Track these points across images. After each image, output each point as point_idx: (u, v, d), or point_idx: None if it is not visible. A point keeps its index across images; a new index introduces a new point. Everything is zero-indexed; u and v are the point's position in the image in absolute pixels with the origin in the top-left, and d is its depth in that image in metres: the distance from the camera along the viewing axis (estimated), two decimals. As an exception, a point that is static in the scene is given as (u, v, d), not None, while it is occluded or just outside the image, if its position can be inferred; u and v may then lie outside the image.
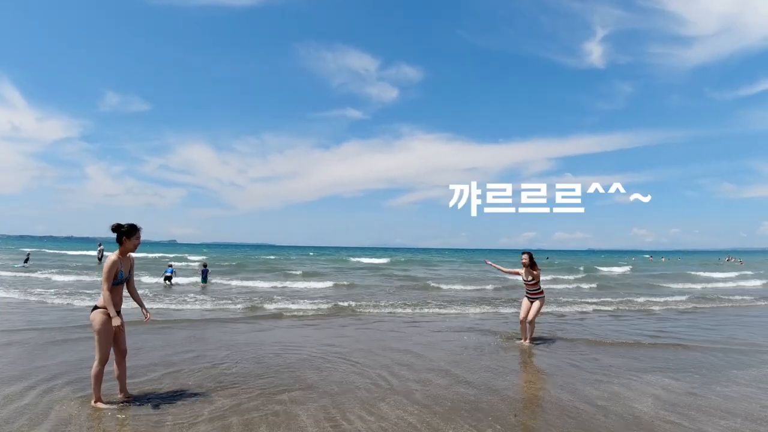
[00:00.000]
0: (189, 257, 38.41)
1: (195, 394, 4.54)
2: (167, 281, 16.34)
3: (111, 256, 4.09)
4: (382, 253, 76.06)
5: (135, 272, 4.49)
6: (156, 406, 4.14)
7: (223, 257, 44.11)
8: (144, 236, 4.24)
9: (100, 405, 4.12)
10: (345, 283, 17.81)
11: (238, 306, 10.80)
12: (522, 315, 7.47)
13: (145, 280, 17.14)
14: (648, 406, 4.41)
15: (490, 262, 8.63)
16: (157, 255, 40.09)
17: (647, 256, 63.85)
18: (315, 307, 10.90)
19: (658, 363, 6.25)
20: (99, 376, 4.13)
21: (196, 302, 11.35)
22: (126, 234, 4.15)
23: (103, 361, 4.11)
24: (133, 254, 4.32)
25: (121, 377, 4.37)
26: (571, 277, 23.37)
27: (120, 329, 4.15)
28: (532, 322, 7.45)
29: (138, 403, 4.23)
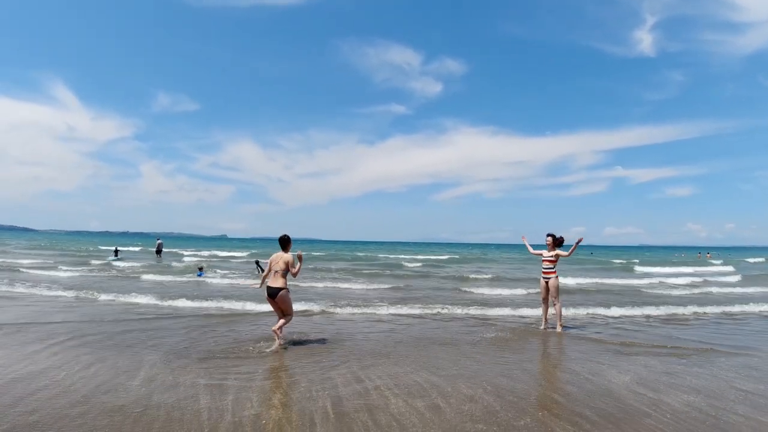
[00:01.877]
0: (219, 254, 39.57)
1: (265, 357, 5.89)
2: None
3: (295, 254, 6.61)
4: (441, 250, 74.37)
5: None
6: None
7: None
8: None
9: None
10: (399, 285, 17.65)
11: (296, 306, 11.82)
12: (543, 294, 8.35)
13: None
14: (623, 381, 5.20)
15: (525, 240, 9.05)
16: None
17: (713, 255, 59.00)
18: (351, 307, 11.91)
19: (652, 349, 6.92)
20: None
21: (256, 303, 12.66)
22: (290, 241, 6.69)
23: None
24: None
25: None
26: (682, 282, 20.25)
27: None
28: (555, 305, 8.16)
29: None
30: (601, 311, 10.69)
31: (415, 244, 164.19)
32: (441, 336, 7.68)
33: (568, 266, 33.14)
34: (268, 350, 6.33)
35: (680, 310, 11.06)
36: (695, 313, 10.80)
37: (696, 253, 63.61)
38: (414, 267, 28.99)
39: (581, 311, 10.58)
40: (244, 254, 38.78)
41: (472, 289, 15.67)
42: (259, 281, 7.13)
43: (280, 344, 6.46)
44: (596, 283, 19.47)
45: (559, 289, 8.24)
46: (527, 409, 4.16)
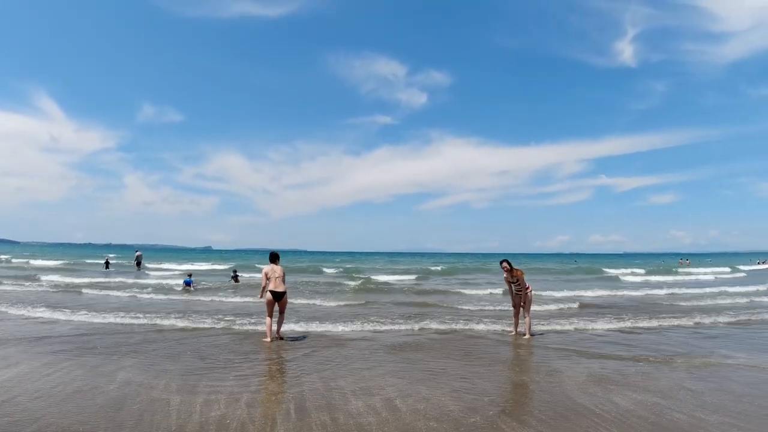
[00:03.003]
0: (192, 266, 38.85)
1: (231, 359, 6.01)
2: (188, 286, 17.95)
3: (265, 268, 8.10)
4: (427, 260, 73.73)
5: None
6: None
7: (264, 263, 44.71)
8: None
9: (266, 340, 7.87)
10: (378, 298, 17.82)
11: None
12: (516, 309, 8.76)
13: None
14: (576, 382, 5.47)
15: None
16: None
17: (693, 261, 58.96)
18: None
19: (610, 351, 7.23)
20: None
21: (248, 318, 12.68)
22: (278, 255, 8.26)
23: None
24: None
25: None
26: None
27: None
28: (526, 317, 8.54)
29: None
30: (574, 322, 10.49)
31: (403, 253, 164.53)
32: (412, 343, 7.93)
33: (556, 277, 33.15)
34: (265, 339, 7.85)
35: (669, 321, 10.89)
36: (683, 323, 11.06)
37: (678, 260, 64.86)
38: (396, 278, 28.95)
39: (556, 323, 10.31)
40: (224, 267, 37.79)
41: (451, 303, 15.42)
42: (260, 291, 8.18)
43: (278, 336, 7.99)
44: (581, 295, 17.90)
45: (530, 304, 8.61)
46: (479, 408, 4.43)
